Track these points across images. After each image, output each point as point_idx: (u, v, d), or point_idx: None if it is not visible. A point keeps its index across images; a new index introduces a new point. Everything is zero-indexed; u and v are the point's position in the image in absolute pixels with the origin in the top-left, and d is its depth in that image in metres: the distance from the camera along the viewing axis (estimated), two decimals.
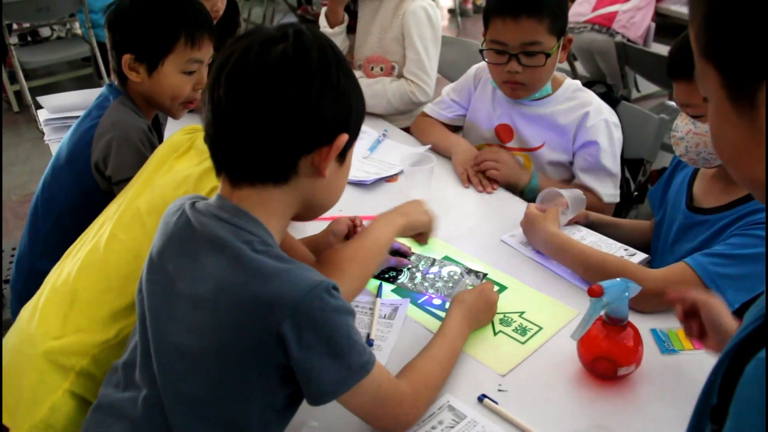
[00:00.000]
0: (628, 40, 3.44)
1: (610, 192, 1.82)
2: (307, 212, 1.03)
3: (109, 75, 4.48)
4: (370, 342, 1.27)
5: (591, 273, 1.38)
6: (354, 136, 0.99)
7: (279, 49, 0.89)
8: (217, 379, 0.92)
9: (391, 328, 1.32)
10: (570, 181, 1.89)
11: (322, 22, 2.46)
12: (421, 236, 1.36)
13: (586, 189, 1.78)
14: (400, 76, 2.27)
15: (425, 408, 1.09)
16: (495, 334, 1.30)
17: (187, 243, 0.96)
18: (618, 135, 1.84)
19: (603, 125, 1.79)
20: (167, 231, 0.99)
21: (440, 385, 1.14)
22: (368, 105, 2.32)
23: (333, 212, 1.59)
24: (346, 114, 0.95)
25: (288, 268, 0.90)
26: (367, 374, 0.93)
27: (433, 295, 1.40)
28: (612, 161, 1.81)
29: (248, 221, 0.93)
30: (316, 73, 0.90)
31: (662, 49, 4.03)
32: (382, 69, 2.27)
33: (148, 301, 0.99)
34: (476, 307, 1.27)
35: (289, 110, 0.89)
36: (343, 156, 0.99)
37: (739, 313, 1.30)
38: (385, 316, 1.35)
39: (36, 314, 1.18)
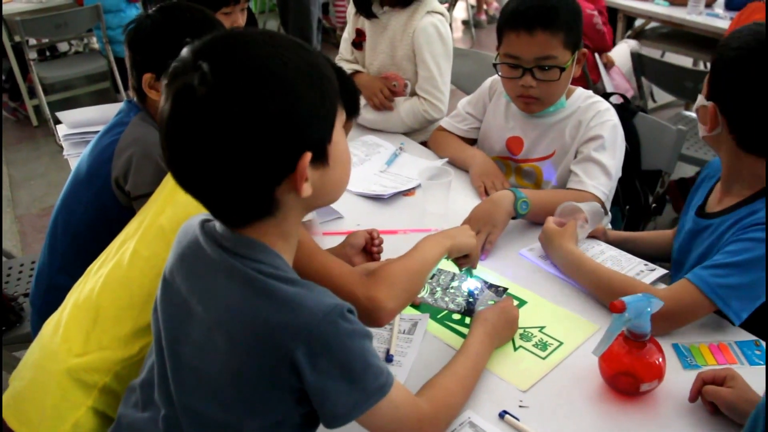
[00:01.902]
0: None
1: (596, 183, 1.70)
2: (320, 204, 1.00)
3: (126, 89, 4.54)
4: (389, 358, 1.27)
5: (600, 292, 1.39)
6: (322, 134, 0.90)
7: (194, 97, 0.81)
8: (232, 399, 0.93)
9: (410, 343, 1.31)
10: None
11: (343, 45, 2.47)
12: (466, 259, 1.35)
13: (573, 174, 1.75)
14: (413, 92, 2.27)
15: (445, 427, 1.09)
16: (515, 349, 1.29)
17: (198, 264, 0.96)
18: (622, 142, 1.79)
19: (610, 125, 1.75)
20: (178, 250, 1.00)
21: (461, 404, 1.13)
22: (382, 125, 2.33)
23: (351, 227, 1.61)
24: (294, 133, 0.85)
25: (300, 293, 0.89)
26: (384, 396, 0.93)
27: (454, 309, 1.40)
28: (610, 159, 1.73)
29: (253, 248, 0.92)
30: (241, 109, 0.81)
31: (678, 60, 4.02)
32: (395, 85, 2.26)
33: (162, 321, 1.00)
34: (498, 325, 1.27)
35: (230, 163, 0.83)
36: (323, 155, 0.91)
37: (747, 326, 1.29)
38: (404, 331, 1.34)
39: (59, 331, 1.19)
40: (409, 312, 1.40)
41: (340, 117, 0.94)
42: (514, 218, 1.62)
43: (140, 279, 1.18)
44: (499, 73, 1.80)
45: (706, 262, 1.31)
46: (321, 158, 0.90)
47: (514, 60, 1.72)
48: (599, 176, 1.71)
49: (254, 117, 0.81)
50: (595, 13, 3.23)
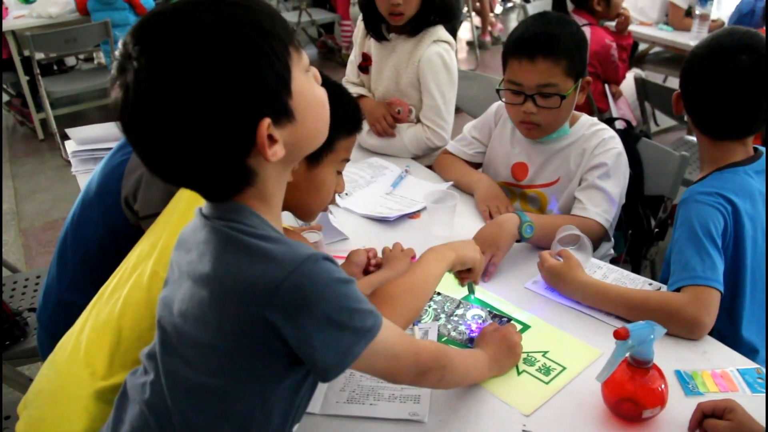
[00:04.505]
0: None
1: (600, 210, 1.72)
2: (302, 155, 0.95)
3: None
4: None
5: (636, 313, 1.38)
6: (275, 94, 0.85)
7: (136, 88, 0.80)
8: (217, 364, 0.91)
9: None
10: None
11: (349, 67, 2.49)
12: (469, 273, 1.37)
13: (577, 201, 1.76)
14: (418, 118, 2.29)
15: (443, 359, 1.10)
16: (519, 373, 1.30)
17: (190, 240, 0.96)
18: (626, 169, 1.81)
19: (615, 153, 1.77)
20: (179, 235, 1.01)
21: (461, 373, 1.18)
22: (385, 151, 2.33)
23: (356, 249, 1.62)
24: (241, 104, 0.81)
25: (273, 248, 0.86)
26: (375, 336, 0.91)
27: (456, 338, 1.41)
28: (614, 187, 1.75)
29: (230, 210, 0.90)
30: (180, 93, 0.79)
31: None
32: (399, 112, 2.28)
33: (161, 298, 1.00)
34: (500, 353, 1.27)
35: (187, 146, 0.82)
36: (286, 112, 0.86)
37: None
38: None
39: (79, 354, 1.19)
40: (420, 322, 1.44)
41: (299, 63, 0.88)
42: (518, 241, 1.63)
43: None
44: (503, 99, 1.82)
45: (683, 268, 1.42)
46: (284, 116, 0.86)
47: (516, 86, 1.75)
48: (603, 203, 1.73)
49: (196, 100, 0.79)
50: (614, 44, 3.27)
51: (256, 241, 0.87)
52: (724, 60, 1.44)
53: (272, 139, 0.85)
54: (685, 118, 1.56)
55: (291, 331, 0.86)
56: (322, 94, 0.93)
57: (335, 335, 0.88)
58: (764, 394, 1.23)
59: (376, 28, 2.24)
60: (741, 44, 1.43)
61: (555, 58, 1.69)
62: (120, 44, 0.84)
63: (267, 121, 0.83)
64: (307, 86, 0.90)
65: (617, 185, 1.76)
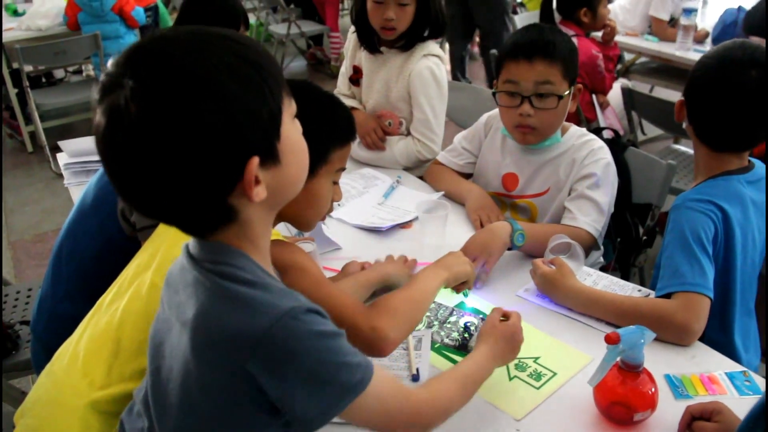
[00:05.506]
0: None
1: (589, 220, 1.75)
2: (281, 203, 0.94)
3: None
4: (416, 377, 1.32)
5: (627, 320, 1.36)
6: (267, 135, 0.84)
7: (124, 116, 0.77)
8: (206, 415, 0.90)
9: (421, 358, 1.37)
10: None
11: (340, 80, 2.51)
12: (463, 285, 1.40)
13: (567, 210, 1.79)
14: (409, 131, 2.30)
15: (443, 417, 1.05)
16: (510, 379, 1.32)
17: (178, 280, 0.95)
18: (615, 179, 1.84)
19: (604, 164, 1.80)
20: (168, 274, 1.01)
21: (459, 400, 1.09)
22: (376, 163, 2.34)
23: (349, 259, 1.64)
24: (234, 141, 0.80)
25: (255, 296, 0.85)
26: (362, 391, 0.89)
27: (449, 344, 1.43)
28: (603, 197, 1.78)
29: (215, 251, 0.89)
30: (173, 124, 0.76)
31: (666, 94, 4.11)
32: (390, 124, 2.30)
33: (150, 338, 1.01)
34: (506, 349, 1.25)
35: (172, 179, 0.79)
36: (272, 155, 0.85)
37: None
38: (413, 348, 1.40)
39: (77, 365, 1.19)
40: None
41: (288, 107, 0.88)
42: (509, 249, 1.65)
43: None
44: (498, 103, 1.84)
45: (672, 275, 1.44)
46: (270, 158, 0.85)
47: (513, 86, 1.77)
48: (592, 213, 1.76)
49: (189, 131, 0.76)
50: (600, 55, 3.31)
51: (244, 288, 0.85)
52: (732, 73, 1.44)
53: (256, 181, 0.83)
54: (684, 126, 1.57)
55: (272, 384, 0.84)
56: (304, 144, 0.93)
57: (317, 390, 0.86)
58: (752, 397, 1.25)
59: (369, 41, 2.27)
60: (751, 59, 1.43)
61: (551, 60, 1.73)
62: (110, 65, 0.81)
63: (256, 159, 0.82)
64: (293, 132, 0.90)
65: (606, 194, 1.79)
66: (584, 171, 1.80)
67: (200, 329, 0.87)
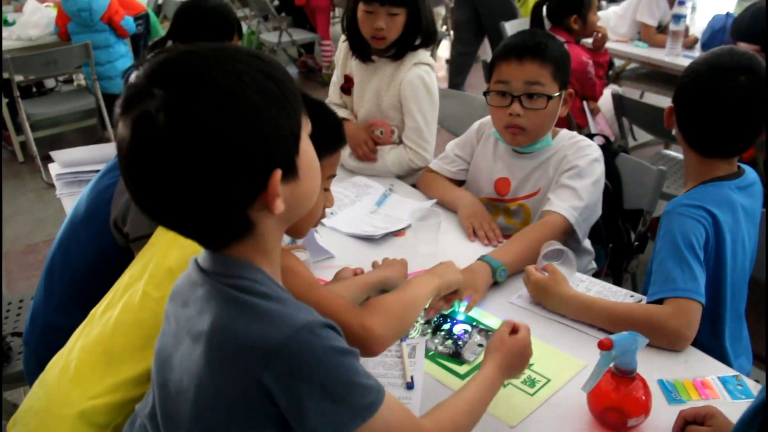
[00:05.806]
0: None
1: (566, 205, 1.74)
2: (295, 217, 0.96)
3: (113, 127, 4.56)
4: (411, 385, 1.32)
5: (619, 326, 1.34)
6: (289, 148, 0.87)
7: (154, 126, 0.78)
8: (212, 425, 0.90)
9: (415, 366, 1.37)
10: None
11: (332, 89, 2.51)
12: (455, 294, 1.42)
13: (546, 200, 1.80)
14: (400, 139, 2.31)
15: None
16: (504, 386, 1.31)
17: (188, 293, 0.96)
18: (601, 175, 1.83)
19: (589, 158, 1.81)
20: (174, 286, 1.01)
21: (468, 427, 1.09)
22: (367, 172, 2.34)
23: (342, 266, 1.64)
24: (261, 153, 0.82)
25: (272, 309, 0.86)
26: (373, 414, 0.88)
27: (443, 352, 1.43)
28: (581, 182, 1.77)
29: (230, 265, 0.90)
30: (204, 136, 0.78)
31: (656, 99, 4.13)
32: (382, 133, 2.30)
33: (156, 352, 1.00)
34: (515, 363, 1.22)
35: (197, 190, 0.80)
36: (293, 169, 0.88)
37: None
38: (408, 355, 1.40)
39: (68, 374, 1.19)
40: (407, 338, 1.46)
41: (306, 125, 0.91)
42: (495, 283, 1.63)
43: (152, 320, 1.18)
44: (489, 103, 1.86)
45: (663, 280, 1.44)
46: (291, 172, 0.87)
47: (503, 86, 1.79)
48: (570, 199, 1.76)
49: (219, 142, 0.78)
50: (590, 62, 3.33)
51: (258, 300, 0.87)
52: (721, 79, 1.45)
53: (276, 194, 0.85)
54: (673, 132, 1.58)
55: (284, 397, 0.85)
56: (317, 161, 0.95)
57: (330, 408, 0.85)
58: (744, 401, 1.26)
59: (361, 50, 2.27)
60: (740, 65, 1.44)
61: (542, 61, 1.76)
62: (135, 77, 0.82)
63: (279, 172, 0.84)
64: (309, 148, 0.92)
65: (588, 184, 1.78)
66: (568, 165, 1.82)
67: (216, 341, 0.87)
